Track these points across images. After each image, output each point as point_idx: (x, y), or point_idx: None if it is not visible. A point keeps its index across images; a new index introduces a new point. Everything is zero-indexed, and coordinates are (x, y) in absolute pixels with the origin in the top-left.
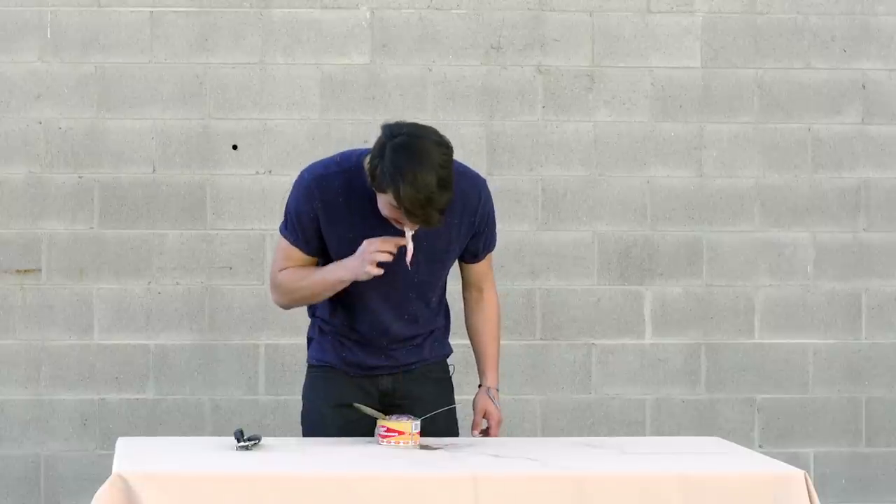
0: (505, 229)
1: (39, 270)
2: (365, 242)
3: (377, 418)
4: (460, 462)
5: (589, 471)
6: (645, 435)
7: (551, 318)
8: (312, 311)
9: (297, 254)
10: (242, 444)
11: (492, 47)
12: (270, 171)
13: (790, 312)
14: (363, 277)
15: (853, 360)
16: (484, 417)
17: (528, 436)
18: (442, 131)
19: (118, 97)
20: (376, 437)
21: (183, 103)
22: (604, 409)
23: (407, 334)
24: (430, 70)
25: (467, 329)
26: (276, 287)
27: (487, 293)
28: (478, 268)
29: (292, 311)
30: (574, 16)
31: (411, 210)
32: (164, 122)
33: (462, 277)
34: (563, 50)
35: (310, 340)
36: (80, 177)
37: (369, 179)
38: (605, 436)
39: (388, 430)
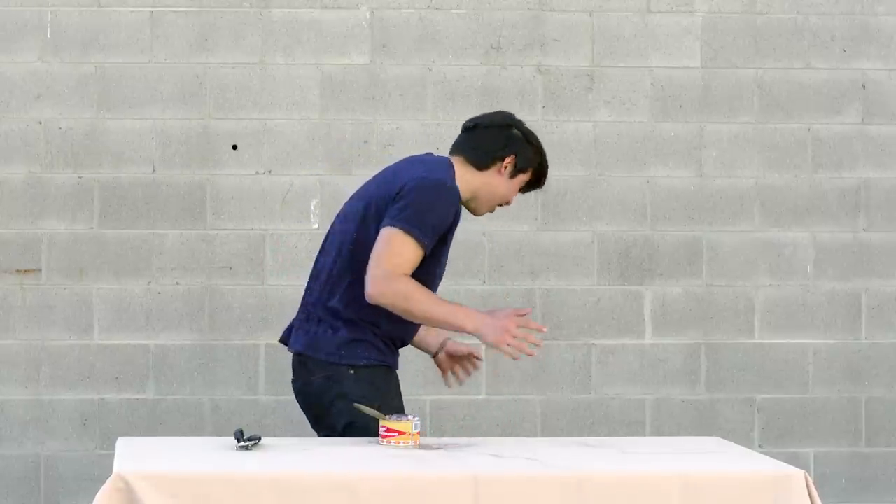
0: (505, 229)
1: (39, 270)
2: (507, 318)
3: (379, 418)
4: (460, 462)
5: (589, 471)
6: (645, 435)
7: (551, 319)
8: (358, 314)
9: (420, 255)
10: (242, 444)
11: (492, 47)
12: (270, 171)
13: (790, 312)
14: (492, 342)
15: (853, 360)
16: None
17: (528, 436)
18: (442, 131)
19: (118, 97)
20: (376, 437)
21: (183, 103)
22: (604, 409)
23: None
24: (430, 70)
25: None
26: (393, 287)
27: None
28: None
29: (292, 312)
30: (574, 16)
31: (545, 178)
32: (164, 122)
33: None
34: (563, 50)
35: (355, 342)
36: (80, 177)
37: (514, 166)
38: (605, 436)
39: (389, 430)
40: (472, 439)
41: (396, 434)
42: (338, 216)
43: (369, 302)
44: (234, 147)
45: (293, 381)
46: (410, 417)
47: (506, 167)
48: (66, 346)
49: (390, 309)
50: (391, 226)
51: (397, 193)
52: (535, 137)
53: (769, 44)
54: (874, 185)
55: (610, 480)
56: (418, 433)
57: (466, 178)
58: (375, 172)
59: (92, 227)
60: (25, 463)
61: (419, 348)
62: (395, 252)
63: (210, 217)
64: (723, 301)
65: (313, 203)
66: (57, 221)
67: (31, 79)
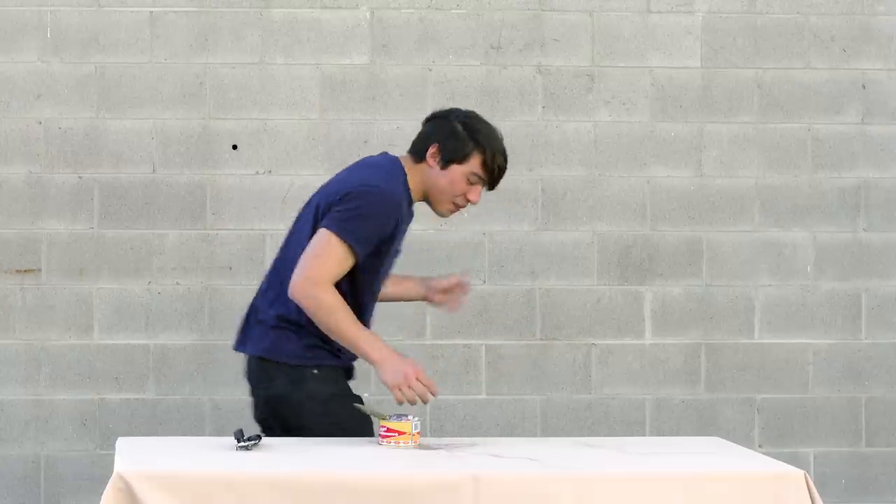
0: (505, 229)
1: (39, 270)
2: (412, 367)
3: (379, 418)
4: (460, 462)
5: (589, 471)
6: (645, 435)
7: (551, 318)
8: (287, 313)
9: (351, 263)
10: (242, 444)
11: (492, 47)
12: (270, 171)
13: (790, 312)
14: (388, 381)
15: (853, 360)
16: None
17: (528, 436)
18: None
19: (118, 97)
20: (376, 437)
21: (183, 103)
22: (604, 409)
23: None
24: (430, 70)
25: (387, 294)
26: (318, 295)
27: None
28: None
29: None
30: (574, 16)
31: (496, 171)
32: (164, 122)
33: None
34: (563, 50)
35: (281, 340)
36: (79, 177)
37: (440, 156)
38: (605, 436)
39: (388, 430)
40: (472, 439)
41: (396, 434)
42: (295, 220)
43: (289, 297)
44: (234, 147)
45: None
46: (410, 417)
47: (433, 157)
48: (66, 346)
49: (307, 313)
50: (328, 228)
51: (341, 197)
52: (476, 128)
53: (769, 44)
54: (874, 185)
55: (610, 480)
56: (418, 433)
57: (412, 174)
58: None
59: (92, 227)
60: (25, 463)
61: (405, 301)
62: (326, 256)
63: (210, 217)
64: (723, 301)
65: None
66: (57, 221)
67: (31, 79)
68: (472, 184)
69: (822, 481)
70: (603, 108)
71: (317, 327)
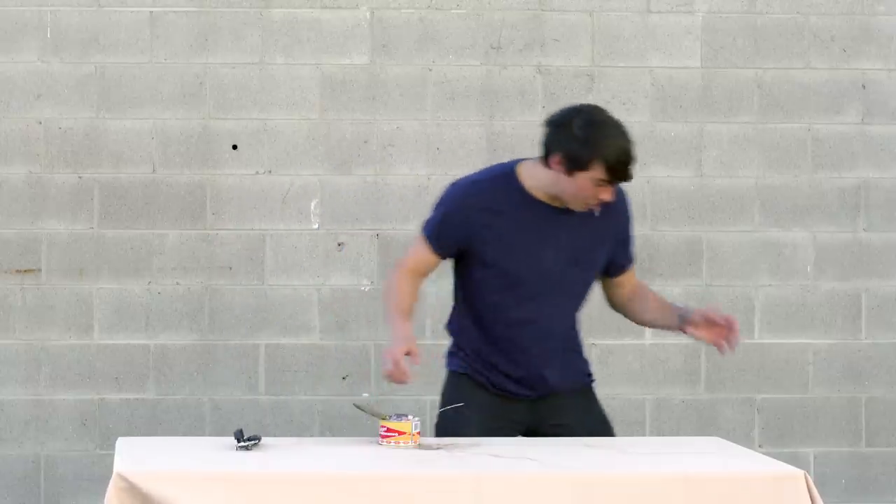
0: None
1: (39, 270)
2: (397, 349)
3: (379, 418)
4: (460, 462)
5: (589, 471)
6: (645, 435)
7: None
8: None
9: (427, 252)
10: (242, 444)
11: (492, 47)
12: (270, 171)
13: (790, 312)
14: (385, 364)
15: (853, 360)
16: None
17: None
18: (442, 131)
19: (118, 97)
20: (376, 437)
21: (183, 103)
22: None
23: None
24: (430, 70)
25: (637, 316)
26: (391, 277)
27: (637, 282)
28: (626, 277)
29: (293, 312)
30: (574, 16)
31: (619, 169)
32: (164, 122)
33: (611, 294)
34: (563, 50)
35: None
36: (80, 177)
37: (564, 164)
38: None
39: (388, 430)
40: (473, 439)
41: (396, 434)
42: None
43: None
44: (234, 147)
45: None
46: (410, 417)
47: (557, 165)
48: (66, 346)
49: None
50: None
51: None
52: (595, 133)
53: (769, 44)
54: (874, 185)
55: (610, 480)
56: (418, 433)
57: (539, 175)
58: (375, 172)
59: (92, 227)
60: (25, 463)
61: (662, 328)
62: (410, 251)
63: (210, 217)
64: (723, 301)
65: (313, 203)
66: (57, 221)
67: (31, 79)
68: (600, 187)
69: (822, 481)
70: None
71: (468, 345)
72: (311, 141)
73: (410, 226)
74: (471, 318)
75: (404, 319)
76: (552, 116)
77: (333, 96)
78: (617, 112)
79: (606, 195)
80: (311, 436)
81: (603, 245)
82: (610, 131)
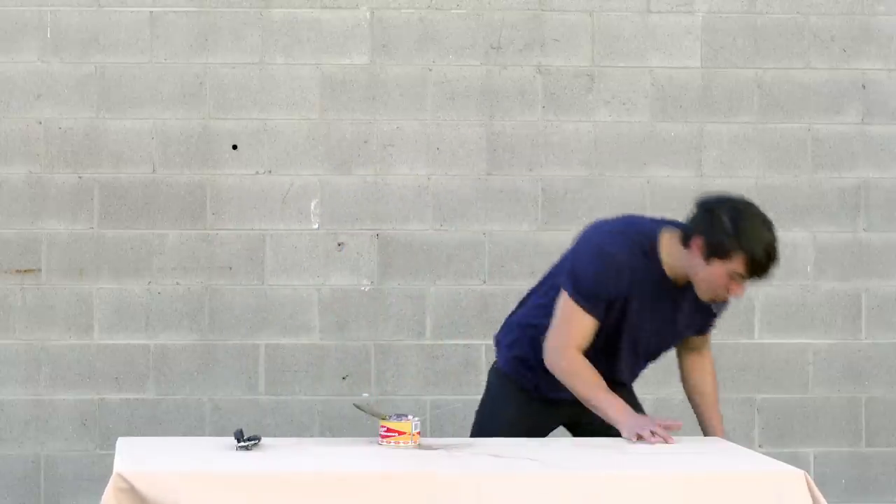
0: (505, 229)
1: (39, 270)
2: (650, 419)
3: (379, 418)
4: (460, 462)
5: (589, 471)
6: None
7: None
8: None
9: (591, 325)
10: (242, 444)
11: (492, 47)
12: (270, 171)
13: (790, 312)
14: (626, 435)
15: (853, 360)
16: None
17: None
18: (442, 131)
19: (118, 97)
20: (376, 437)
21: (183, 103)
22: None
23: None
24: (430, 70)
25: (687, 388)
26: (563, 363)
27: (706, 352)
28: (700, 339)
29: (293, 312)
30: (574, 16)
31: (760, 266)
32: (164, 122)
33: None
34: (563, 50)
35: (513, 349)
36: (80, 177)
37: (704, 250)
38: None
39: (389, 430)
40: (473, 439)
41: (396, 434)
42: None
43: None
44: (234, 147)
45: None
46: (410, 417)
47: (697, 248)
48: (66, 346)
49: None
50: (563, 287)
51: (573, 258)
52: (744, 226)
53: (769, 44)
54: (874, 185)
55: (610, 480)
56: (418, 433)
57: (675, 252)
58: (375, 172)
59: (92, 227)
60: (25, 463)
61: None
62: (565, 321)
63: (210, 217)
64: None
65: (313, 203)
66: (57, 221)
67: (31, 79)
68: (734, 280)
69: (822, 481)
70: (603, 108)
71: (533, 355)
72: (311, 141)
73: (410, 226)
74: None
75: (615, 395)
76: (703, 199)
77: (333, 96)
78: (617, 112)
79: (738, 290)
80: (311, 436)
81: (693, 328)
82: (759, 227)
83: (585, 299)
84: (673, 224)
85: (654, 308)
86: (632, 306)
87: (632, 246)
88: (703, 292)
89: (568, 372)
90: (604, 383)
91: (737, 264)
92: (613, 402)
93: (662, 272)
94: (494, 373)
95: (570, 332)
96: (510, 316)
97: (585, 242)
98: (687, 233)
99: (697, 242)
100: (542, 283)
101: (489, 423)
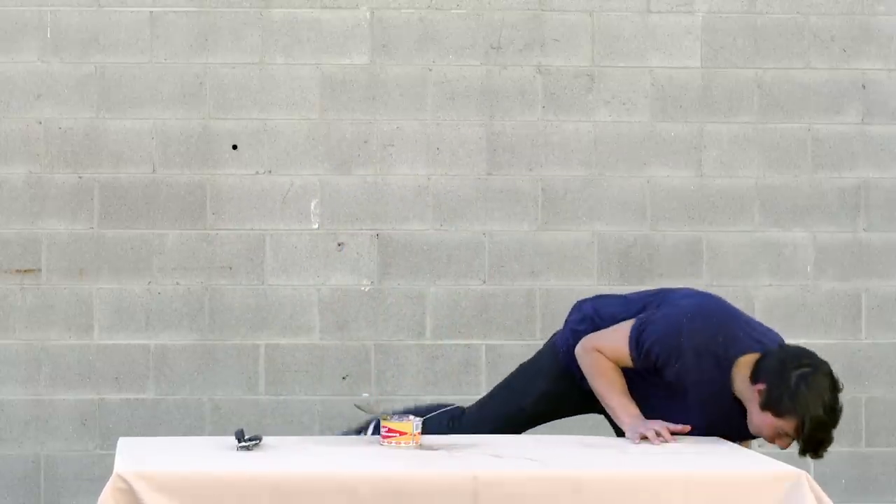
0: (505, 229)
1: (39, 270)
2: (657, 422)
3: (379, 418)
4: (460, 462)
5: (589, 471)
6: None
7: (551, 318)
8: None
9: (629, 363)
10: (243, 444)
11: (492, 47)
12: (270, 171)
13: (790, 312)
14: (629, 436)
15: (853, 360)
16: None
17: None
18: (442, 131)
19: (118, 97)
20: (377, 437)
21: (183, 103)
22: None
23: None
24: (430, 70)
25: None
26: (592, 357)
27: None
28: None
29: (293, 312)
30: (574, 16)
31: (809, 443)
32: (164, 122)
33: None
34: (563, 50)
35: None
36: (79, 177)
37: (762, 397)
38: (605, 436)
39: (390, 430)
40: (473, 439)
41: (397, 434)
42: None
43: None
44: (234, 147)
45: None
46: (411, 417)
47: (758, 392)
48: (66, 346)
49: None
50: (638, 317)
51: (661, 302)
52: (805, 392)
53: (769, 44)
54: (874, 185)
55: (610, 480)
56: (419, 433)
57: (742, 380)
58: (375, 172)
59: (92, 227)
60: (25, 463)
61: None
62: (612, 341)
63: (210, 217)
64: None
65: (313, 203)
66: (57, 221)
67: (31, 79)
68: (780, 437)
69: (822, 481)
70: (603, 108)
71: None
72: (311, 141)
73: (410, 226)
74: None
75: (632, 401)
76: (787, 348)
77: (333, 96)
78: (617, 112)
79: (782, 445)
80: (311, 435)
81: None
82: (818, 399)
83: (636, 347)
84: (772, 344)
85: (705, 414)
86: (683, 391)
87: (705, 353)
88: (752, 428)
89: (593, 366)
90: (626, 387)
91: (787, 425)
92: (627, 405)
93: (728, 388)
94: (551, 346)
95: (609, 350)
96: (584, 301)
97: (685, 306)
98: (757, 375)
99: (760, 387)
100: (635, 295)
101: (521, 383)
